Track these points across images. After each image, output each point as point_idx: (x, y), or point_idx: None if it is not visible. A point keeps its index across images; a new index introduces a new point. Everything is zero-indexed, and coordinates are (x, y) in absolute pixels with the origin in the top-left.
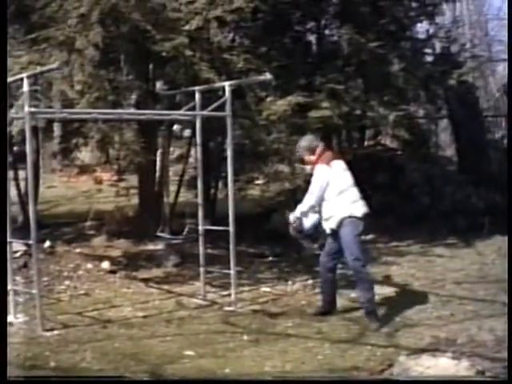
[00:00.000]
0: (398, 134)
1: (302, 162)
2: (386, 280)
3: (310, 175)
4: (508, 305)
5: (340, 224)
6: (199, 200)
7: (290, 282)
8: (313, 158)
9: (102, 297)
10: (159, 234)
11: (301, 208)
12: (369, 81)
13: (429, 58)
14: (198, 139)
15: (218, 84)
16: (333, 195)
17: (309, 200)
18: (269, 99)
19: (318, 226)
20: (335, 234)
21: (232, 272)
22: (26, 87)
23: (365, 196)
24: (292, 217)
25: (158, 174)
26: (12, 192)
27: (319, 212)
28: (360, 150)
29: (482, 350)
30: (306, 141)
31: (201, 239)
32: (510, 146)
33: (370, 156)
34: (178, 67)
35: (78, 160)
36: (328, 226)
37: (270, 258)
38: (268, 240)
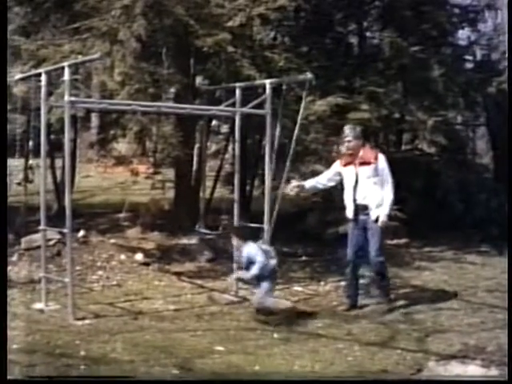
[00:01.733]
0: (436, 139)
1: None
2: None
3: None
4: (508, 308)
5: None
6: (235, 196)
7: (322, 283)
8: (360, 144)
9: (134, 288)
10: (196, 228)
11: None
12: (408, 85)
13: (469, 65)
14: (237, 136)
15: (259, 81)
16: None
17: (391, 190)
18: (308, 99)
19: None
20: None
21: None
22: (66, 76)
23: (400, 200)
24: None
25: (194, 169)
26: (48, 180)
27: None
28: (397, 153)
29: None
30: (354, 128)
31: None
32: (511, 146)
33: (406, 160)
34: (219, 63)
35: (114, 151)
36: (377, 214)
37: (303, 258)
38: (302, 240)
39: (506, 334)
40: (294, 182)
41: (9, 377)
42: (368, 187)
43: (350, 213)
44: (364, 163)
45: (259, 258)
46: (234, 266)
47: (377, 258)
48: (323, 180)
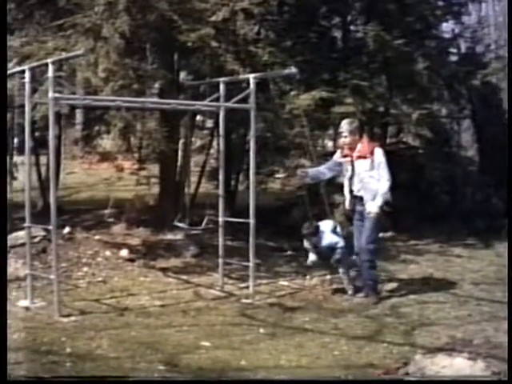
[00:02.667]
0: (421, 132)
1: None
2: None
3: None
4: (508, 305)
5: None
6: (220, 191)
7: (308, 277)
8: (357, 138)
9: (119, 285)
10: (177, 223)
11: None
12: (393, 78)
13: (453, 58)
14: (221, 131)
15: (243, 76)
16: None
17: (386, 184)
18: (292, 93)
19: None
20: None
21: (251, 264)
22: (50, 73)
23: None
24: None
25: (179, 164)
26: (32, 177)
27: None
28: (382, 147)
29: (498, 351)
30: (352, 122)
31: (220, 230)
32: (511, 145)
33: (391, 153)
34: (203, 58)
35: (99, 147)
36: (374, 205)
37: (289, 252)
38: (287, 234)
39: (507, 334)
40: (299, 171)
41: (9, 377)
42: (364, 180)
43: (348, 204)
44: (360, 157)
45: (341, 244)
46: (220, 261)
47: (366, 245)
48: (324, 170)
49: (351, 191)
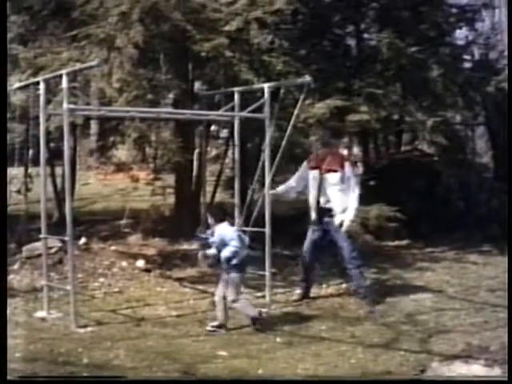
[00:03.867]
0: (435, 139)
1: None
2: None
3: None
4: (508, 308)
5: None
6: (236, 201)
7: (324, 285)
8: (328, 151)
9: (136, 295)
10: (199, 235)
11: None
12: (407, 86)
13: (467, 65)
14: (236, 140)
15: (258, 85)
16: None
17: (356, 198)
18: (307, 102)
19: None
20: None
21: (267, 273)
22: (65, 84)
23: (400, 201)
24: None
25: (194, 174)
26: (48, 188)
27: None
28: (397, 154)
29: None
30: (325, 135)
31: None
32: (511, 145)
33: (406, 161)
34: (217, 68)
35: (114, 158)
36: (341, 219)
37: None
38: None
39: (507, 334)
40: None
41: (9, 377)
42: (332, 193)
43: (313, 215)
44: (331, 170)
45: (234, 243)
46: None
47: (350, 254)
48: (293, 183)
49: (318, 203)
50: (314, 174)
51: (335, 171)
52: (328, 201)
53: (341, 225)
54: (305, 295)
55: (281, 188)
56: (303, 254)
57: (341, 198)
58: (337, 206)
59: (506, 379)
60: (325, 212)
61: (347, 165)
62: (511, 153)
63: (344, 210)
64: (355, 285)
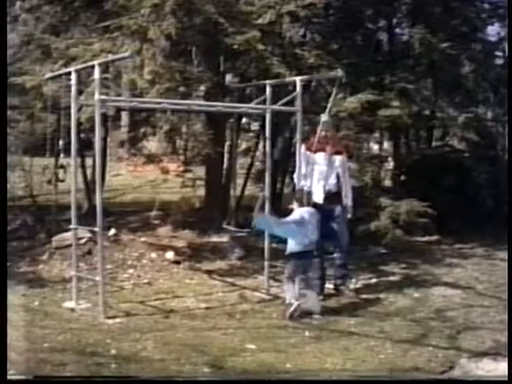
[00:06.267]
0: (467, 135)
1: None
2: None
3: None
4: (508, 307)
5: None
6: (266, 194)
7: (353, 280)
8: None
9: (165, 287)
10: (226, 226)
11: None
12: (439, 81)
13: (499, 61)
14: (268, 133)
15: (290, 78)
16: None
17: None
18: (339, 96)
19: None
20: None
21: None
22: (97, 75)
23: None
24: None
25: (224, 167)
26: (78, 179)
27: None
28: (428, 150)
29: None
30: (329, 120)
31: (266, 233)
32: (510, 146)
33: (437, 157)
34: (249, 61)
35: (145, 149)
36: (345, 203)
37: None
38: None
39: (507, 334)
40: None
41: (9, 377)
42: (339, 175)
43: (320, 198)
44: (337, 152)
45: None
46: (265, 263)
47: (346, 241)
48: (304, 171)
49: (325, 186)
50: (319, 157)
51: (340, 153)
52: (337, 183)
53: (344, 208)
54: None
55: (307, 190)
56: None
57: (347, 180)
58: (345, 188)
59: (506, 379)
60: (333, 196)
61: (348, 148)
62: (511, 153)
63: (346, 195)
64: (338, 272)
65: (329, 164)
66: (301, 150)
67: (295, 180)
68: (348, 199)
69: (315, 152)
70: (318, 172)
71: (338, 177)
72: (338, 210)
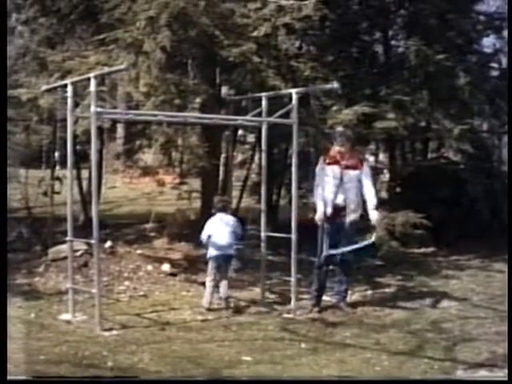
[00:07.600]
0: (462, 147)
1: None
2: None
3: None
4: (508, 311)
5: None
6: (262, 206)
7: (349, 292)
8: (348, 148)
9: (161, 299)
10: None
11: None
12: (434, 93)
13: (495, 73)
14: (264, 145)
15: (285, 91)
16: None
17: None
18: (334, 108)
19: None
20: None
21: (293, 279)
22: (92, 87)
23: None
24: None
25: (220, 179)
26: (74, 191)
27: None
28: (423, 161)
29: None
30: (347, 131)
31: (262, 245)
32: (511, 145)
33: (432, 168)
34: (244, 73)
35: (140, 161)
36: (353, 218)
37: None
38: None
39: (507, 335)
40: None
41: (9, 377)
42: (351, 190)
43: (328, 211)
44: (350, 167)
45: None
46: (261, 276)
47: (346, 274)
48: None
49: (334, 199)
50: (333, 170)
51: (355, 168)
52: (346, 198)
53: (351, 224)
54: (317, 304)
55: (323, 204)
56: (321, 260)
57: (357, 195)
58: (351, 203)
59: (506, 379)
60: (340, 209)
61: (365, 164)
62: (511, 153)
63: (356, 209)
64: (338, 287)
65: (341, 178)
66: (319, 161)
67: (315, 192)
68: (355, 216)
69: (328, 164)
70: (330, 184)
71: (346, 191)
72: (344, 224)
